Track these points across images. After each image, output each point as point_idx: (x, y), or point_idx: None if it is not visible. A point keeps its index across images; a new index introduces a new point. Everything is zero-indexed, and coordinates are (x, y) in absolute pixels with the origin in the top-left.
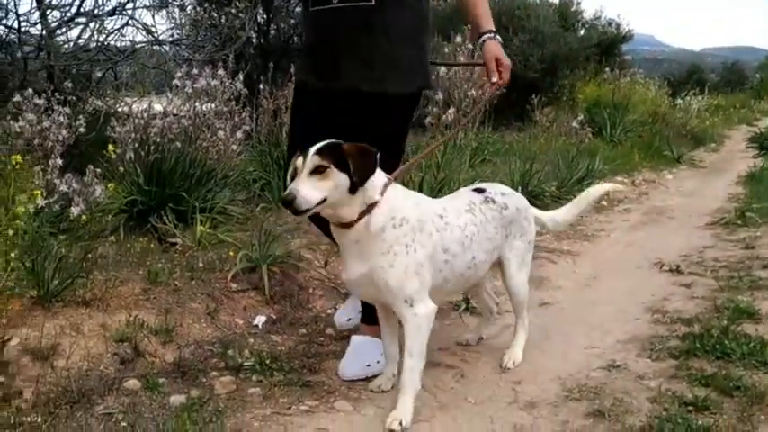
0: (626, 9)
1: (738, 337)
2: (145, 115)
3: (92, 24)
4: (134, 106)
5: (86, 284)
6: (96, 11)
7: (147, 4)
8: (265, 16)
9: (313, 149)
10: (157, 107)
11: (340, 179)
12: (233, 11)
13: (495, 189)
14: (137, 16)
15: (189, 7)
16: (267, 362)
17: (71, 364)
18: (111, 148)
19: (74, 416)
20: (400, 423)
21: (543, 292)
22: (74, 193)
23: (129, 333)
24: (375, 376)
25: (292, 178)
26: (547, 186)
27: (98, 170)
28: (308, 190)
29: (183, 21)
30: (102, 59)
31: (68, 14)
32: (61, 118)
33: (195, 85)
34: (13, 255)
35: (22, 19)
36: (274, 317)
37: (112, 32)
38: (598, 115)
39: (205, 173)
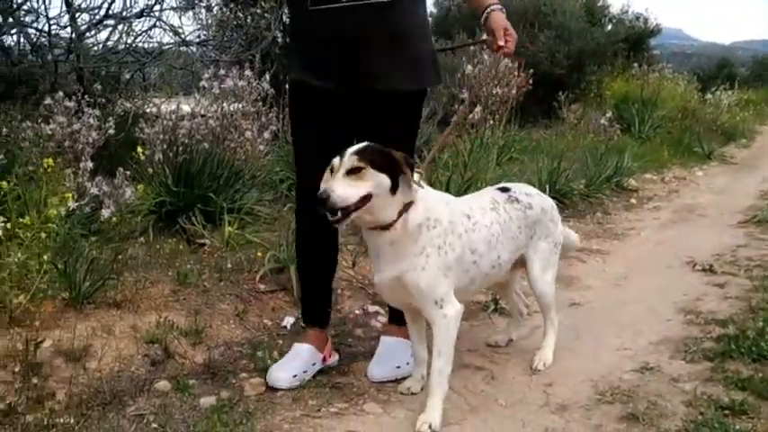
0: (653, 3)
1: None
2: (173, 116)
3: (120, 26)
4: (162, 107)
5: (117, 286)
6: (124, 13)
7: (174, 5)
8: None
9: (350, 150)
10: (185, 108)
11: (378, 179)
12: (259, 11)
13: (519, 189)
14: (164, 18)
15: (215, 8)
16: None
17: (103, 366)
18: (140, 149)
19: (106, 417)
20: (430, 426)
21: (573, 292)
22: (104, 196)
23: (159, 334)
24: (404, 378)
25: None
26: (575, 184)
27: (128, 172)
28: (344, 188)
29: (209, 21)
30: (131, 61)
31: (97, 17)
32: (91, 120)
33: (222, 86)
34: (45, 257)
35: (52, 22)
36: None
37: (140, 34)
38: (626, 111)
39: (233, 173)
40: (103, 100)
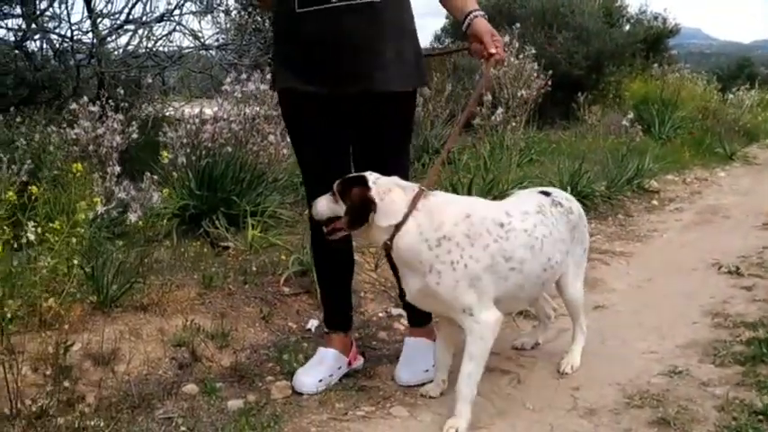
0: (672, 2)
1: None
2: (196, 120)
3: (140, 31)
4: (186, 110)
5: (143, 289)
6: (145, 18)
7: (194, 9)
8: None
9: (341, 179)
10: (208, 111)
11: (343, 207)
12: None
13: (559, 194)
14: (183, 22)
15: (233, 12)
16: None
17: (131, 369)
18: (164, 154)
19: (135, 420)
20: (456, 431)
21: (597, 295)
22: (131, 200)
23: (186, 338)
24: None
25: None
26: (596, 186)
27: (155, 176)
28: (322, 205)
29: (227, 25)
30: (151, 65)
31: (118, 22)
32: (115, 125)
33: (244, 90)
34: (75, 261)
35: (74, 28)
36: None
37: (160, 38)
38: (646, 112)
39: (255, 177)
40: (126, 104)
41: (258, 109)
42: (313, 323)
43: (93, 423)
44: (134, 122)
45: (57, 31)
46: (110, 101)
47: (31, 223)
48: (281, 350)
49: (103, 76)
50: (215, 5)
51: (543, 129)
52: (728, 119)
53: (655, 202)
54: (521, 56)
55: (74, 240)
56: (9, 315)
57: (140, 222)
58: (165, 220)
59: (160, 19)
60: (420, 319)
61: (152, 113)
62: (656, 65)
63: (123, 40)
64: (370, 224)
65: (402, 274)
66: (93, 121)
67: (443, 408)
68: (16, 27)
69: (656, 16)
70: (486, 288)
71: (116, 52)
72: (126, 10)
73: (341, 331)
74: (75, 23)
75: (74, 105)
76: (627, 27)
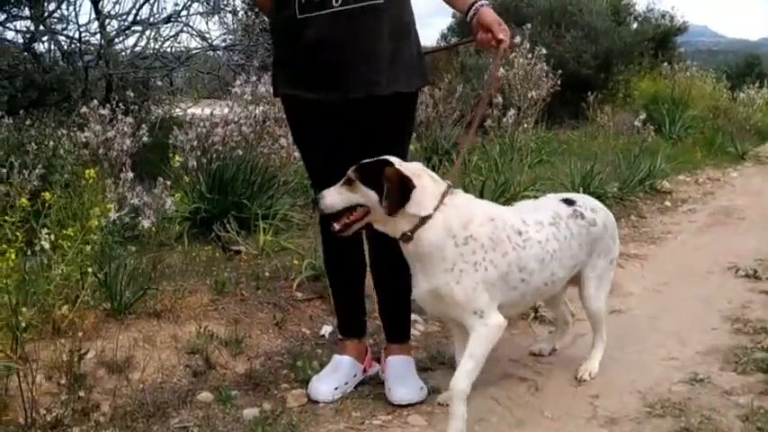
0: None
1: None
2: (206, 123)
3: (148, 32)
4: (194, 111)
5: (156, 296)
6: (152, 19)
7: (201, 10)
8: None
9: (355, 166)
10: (217, 112)
11: (367, 194)
12: None
13: (586, 203)
14: (191, 23)
15: (240, 12)
16: None
17: (145, 377)
18: (176, 158)
19: (150, 430)
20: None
21: (613, 299)
22: (144, 206)
23: (199, 345)
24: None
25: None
26: (609, 187)
27: (168, 182)
28: (332, 196)
29: (235, 26)
30: (159, 66)
31: (126, 23)
32: (125, 128)
33: (254, 92)
34: (90, 269)
35: (82, 29)
36: None
37: (168, 39)
38: (656, 111)
39: (266, 180)
40: (136, 107)
41: (268, 111)
42: (327, 329)
43: None
44: (144, 125)
45: (65, 32)
46: (120, 104)
47: (44, 230)
48: (295, 357)
49: (112, 78)
50: (222, 6)
51: (552, 129)
52: (739, 118)
53: (667, 203)
54: (530, 56)
55: (87, 247)
56: (23, 323)
57: (153, 228)
58: (176, 224)
59: (167, 20)
60: (401, 335)
61: (160, 115)
62: (665, 63)
63: (131, 41)
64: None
65: (414, 270)
66: (103, 124)
67: None
68: (24, 29)
69: (664, 14)
70: (497, 294)
71: (124, 53)
72: (133, 11)
73: (355, 338)
74: (83, 25)
75: (84, 109)
76: (635, 25)
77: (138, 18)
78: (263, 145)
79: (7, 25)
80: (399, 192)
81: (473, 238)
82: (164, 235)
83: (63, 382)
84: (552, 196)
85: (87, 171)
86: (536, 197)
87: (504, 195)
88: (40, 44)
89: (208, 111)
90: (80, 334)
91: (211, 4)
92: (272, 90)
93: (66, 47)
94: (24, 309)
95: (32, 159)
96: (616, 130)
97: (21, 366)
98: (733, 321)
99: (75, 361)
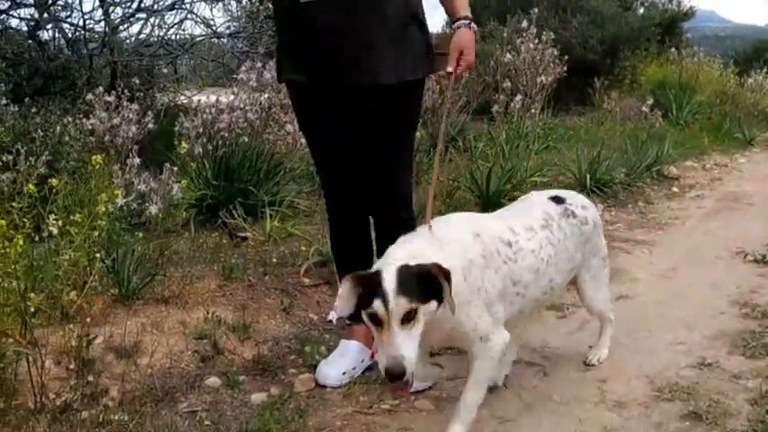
0: None
1: None
2: (212, 110)
3: (152, 19)
4: (202, 100)
5: (164, 281)
6: (156, 6)
7: None
8: None
9: (390, 289)
10: (223, 100)
11: (428, 309)
12: None
13: (575, 200)
14: (195, 10)
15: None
16: None
17: (154, 362)
18: (183, 144)
19: (159, 414)
20: None
21: (621, 285)
22: (151, 192)
23: (207, 330)
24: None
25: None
26: (616, 173)
27: (175, 168)
28: (409, 348)
29: (239, 13)
30: (163, 54)
31: (130, 10)
32: (131, 115)
33: (260, 78)
34: (98, 255)
35: (86, 17)
36: None
37: (172, 26)
38: (663, 97)
39: (272, 167)
40: (141, 94)
41: (274, 98)
42: (334, 315)
43: (117, 417)
44: (150, 112)
45: (69, 20)
46: (125, 91)
47: (52, 216)
48: (302, 342)
49: (116, 66)
50: None
51: (558, 115)
52: (747, 103)
53: (675, 189)
54: (537, 42)
55: (95, 233)
56: (32, 308)
57: (160, 214)
58: (182, 211)
59: (171, 7)
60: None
61: (166, 103)
62: (672, 49)
63: (135, 28)
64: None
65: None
66: (108, 111)
67: None
68: (29, 17)
69: None
70: (498, 312)
71: (128, 41)
72: None
73: (363, 322)
74: (87, 12)
75: (89, 96)
76: (641, 11)
77: (143, 5)
78: (269, 132)
79: (11, 13)
80: (449, 282)
81: (471, 261)
82: (170, 222)
83: (72, 367)
84: (537, 194)
85: (94, 157)
86: (536, 188)
87: (511, 181)
88: (45, 32)
89: (213, 98)
90: (88, 319)
91: None
92: (277, 74)
93: (70, 34)
94: (33, 294)
95: (39, 147)
96: (623, 116)
97: (30, 351)
98: (741, 306)
99: (83, 346)
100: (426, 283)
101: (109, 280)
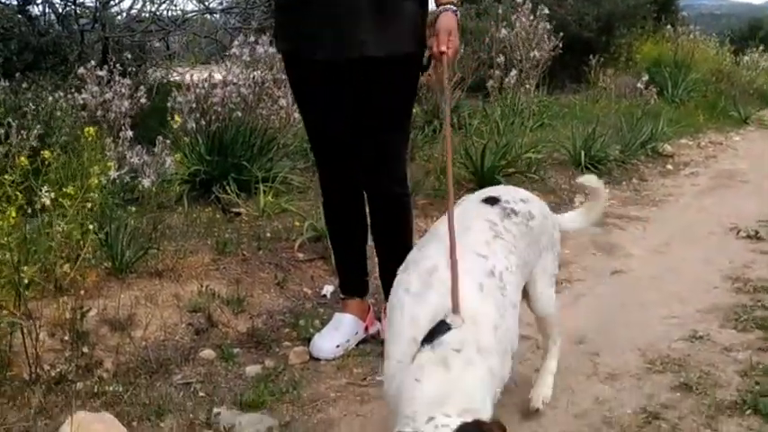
0: None
1: None
2: (205, 85)
3: None
4: (195, 76)
5: (157, 255)
6: None
7: None
8: None
9: None
10: (217, 76)
11: None
12: None
13: (511, 195)
14: None
15: None
16: None
17: (148, 335)
18: (176, 118)
19: (153, 385)
20: None
21: (615, 260)
22: (144, 165)
23: (201, 303)
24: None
25: None
26: (610, 150)
27: (167, 141)
28: None
29: None
30: (155, 30)
31: None
32: (123, 89)
33: (253, 54)
34: (91, 227)
35: None
36: None
37: (163, 2)
38: (658, 75)
39: (266, 142)
40: (133, 69)
41: (267, 73)
42: (328, 289)
43: (111, 388)
44: (142, 87)
45: None
46: (117, 65)
47: (45, 188)
48: (296, 316)
49: (108, 42)
50: None
51: (553, 93)
52: (742, 81)
53: (669, 167)
54: (532, 17)
55: (87, 206)
56: (26, 280)
57: (153, 188)
58: (176, 186)
59: None
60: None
61: (158, 79)
62: (668, 26)
63: (126, 3)
64: None
65: None
66: (100, 85)
67: None
68: None
69: None
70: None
71: (120, 17)
72: None
73: (357, 296)
74: None
75: (81, 70)
76: None
77: None
78: (263, 106)
79: None
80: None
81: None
82: (164, 196)
83: (66, 338)
84: (468, 201)
85: (86, 129)
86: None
87: (506, 158)
88: (35, 7)
89: (206, 74)
90: (82, 292)
91: None
92: (269, 50)
93: (60, 9)
94: (26, 267)
95: (30, 121)
96: (618, 94)
97: (24, 323)
98: (734, 281)
99: (77, 318)
100: None
101: (102, 253)
